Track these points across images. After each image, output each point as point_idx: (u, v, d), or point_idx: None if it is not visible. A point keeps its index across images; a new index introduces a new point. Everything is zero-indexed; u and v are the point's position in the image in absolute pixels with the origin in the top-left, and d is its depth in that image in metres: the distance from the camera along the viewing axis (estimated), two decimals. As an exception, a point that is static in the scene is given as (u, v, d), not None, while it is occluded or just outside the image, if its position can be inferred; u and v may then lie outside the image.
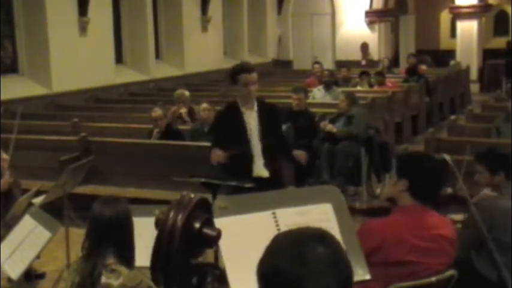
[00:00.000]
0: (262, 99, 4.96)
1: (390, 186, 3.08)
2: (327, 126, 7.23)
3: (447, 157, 3.43)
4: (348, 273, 1.31)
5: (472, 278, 3.50)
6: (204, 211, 1.59)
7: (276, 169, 4.67)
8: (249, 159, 4.60)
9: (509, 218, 3.53)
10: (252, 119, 4.65)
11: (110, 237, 2.81)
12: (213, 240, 1.57)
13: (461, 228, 3.66)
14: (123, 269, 2.77)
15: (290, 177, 6.67)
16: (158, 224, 1.51)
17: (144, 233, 2.46)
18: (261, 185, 4.18)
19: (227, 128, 4.67)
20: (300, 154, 4.90)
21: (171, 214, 1.50)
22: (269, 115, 4.73)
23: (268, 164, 4.61)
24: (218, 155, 4.59)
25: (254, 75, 4.60)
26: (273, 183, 4.44)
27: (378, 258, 2.74)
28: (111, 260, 2.78)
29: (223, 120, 4.79)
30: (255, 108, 4.67)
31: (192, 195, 1.57)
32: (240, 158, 4.57)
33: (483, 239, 3.46)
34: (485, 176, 3.91)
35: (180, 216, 1.50)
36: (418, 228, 2.88)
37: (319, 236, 1.33)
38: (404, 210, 2.94)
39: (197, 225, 1.54)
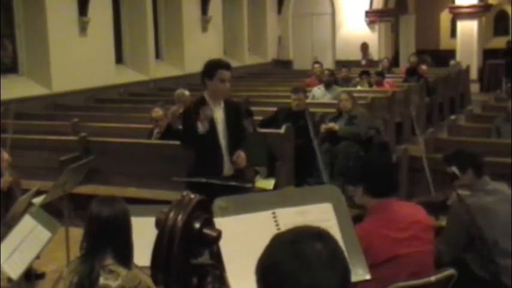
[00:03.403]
0: (227, 97, 4.88)
1: (354, 195, 3.18)
2: (328, 125, 7.22)
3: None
4: (345, 270, 1.34)
5: (467, 278, 3.51)
6: (204, 211, 1.59)
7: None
8: (219, 156, 4.61)
9: (490, 215, 3.53)
10: (219, 116, 4.65)
11: (108, 238, 2.80)
12: (213, 241, 1.57)
13: (445, 229, 3.68)
14: (122, 270, 2.76)
15: (290, 177, 6.67)
16: (158, 224, 1.52)
17: (145, 232, 2.46)
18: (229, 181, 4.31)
19: (196, 123, 4.54)
20: (238, 157, 4.56)
21: (171, 214, 1.51)
22: (235, 113, 4.75)
23: (232, 161, 4.61)
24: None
25: (230, 73, 4.61)
26: (237, 178, 4.51)
27: (368, 262, 2.76)
28: (109, 261, 2.77)
29: (193, 116, 4.61)
30: (222, 105, 4.67)
31: (192, 195, 1.57)
32: (210, 156, 4.59)
33: (472, 238, 3.48)
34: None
35: (180, 216, 1.50)
36: (393, 221, 2.97)
37: (317, 234, 1.36)
38: (374, 211, 3.03)
39: (197, 225, 1.54)
